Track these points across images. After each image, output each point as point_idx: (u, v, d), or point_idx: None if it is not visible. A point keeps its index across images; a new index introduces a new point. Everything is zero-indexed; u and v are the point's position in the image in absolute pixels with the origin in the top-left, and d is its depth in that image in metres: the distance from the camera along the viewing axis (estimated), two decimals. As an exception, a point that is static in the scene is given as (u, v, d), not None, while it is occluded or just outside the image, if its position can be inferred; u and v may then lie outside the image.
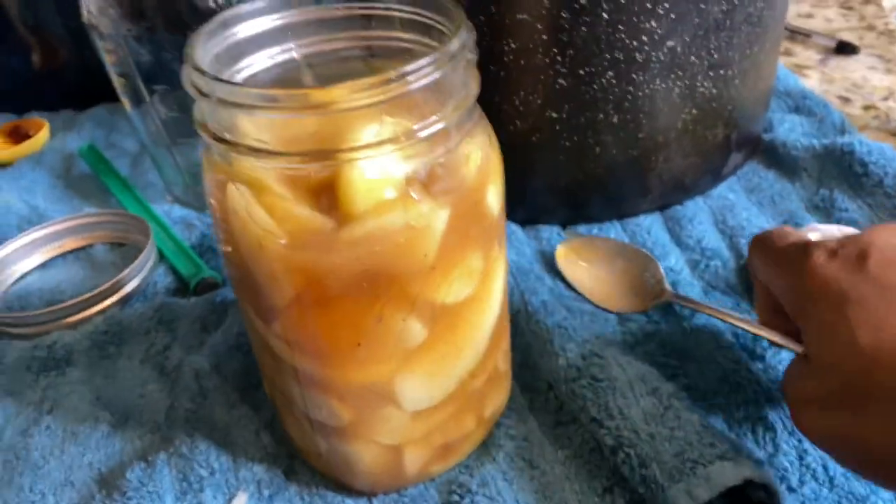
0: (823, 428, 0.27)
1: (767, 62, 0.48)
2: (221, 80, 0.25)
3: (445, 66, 0.25)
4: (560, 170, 0.45)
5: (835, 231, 0.41)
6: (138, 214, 0.50)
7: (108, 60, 0.48)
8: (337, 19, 0.30)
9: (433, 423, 0.31)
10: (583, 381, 0.33)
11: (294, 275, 0.26)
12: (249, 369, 0.39)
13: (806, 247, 0.29)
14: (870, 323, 0.25)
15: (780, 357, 0.37)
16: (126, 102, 0.50)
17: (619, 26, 0.40)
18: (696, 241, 0.45)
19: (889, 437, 0.24)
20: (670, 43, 0.41)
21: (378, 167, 0.25)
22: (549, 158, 0.45)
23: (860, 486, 0.31)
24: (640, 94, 0.42)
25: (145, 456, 0.34)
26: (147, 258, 0.45)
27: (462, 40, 0.25)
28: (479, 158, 0.28)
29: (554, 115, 0.43)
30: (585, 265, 0.44)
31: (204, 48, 0.27)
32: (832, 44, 0.69)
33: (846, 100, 0.62)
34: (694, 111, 0.44)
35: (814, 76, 0.66)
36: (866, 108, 0.60)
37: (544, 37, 0.40)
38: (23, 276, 0.48)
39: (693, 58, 0.42)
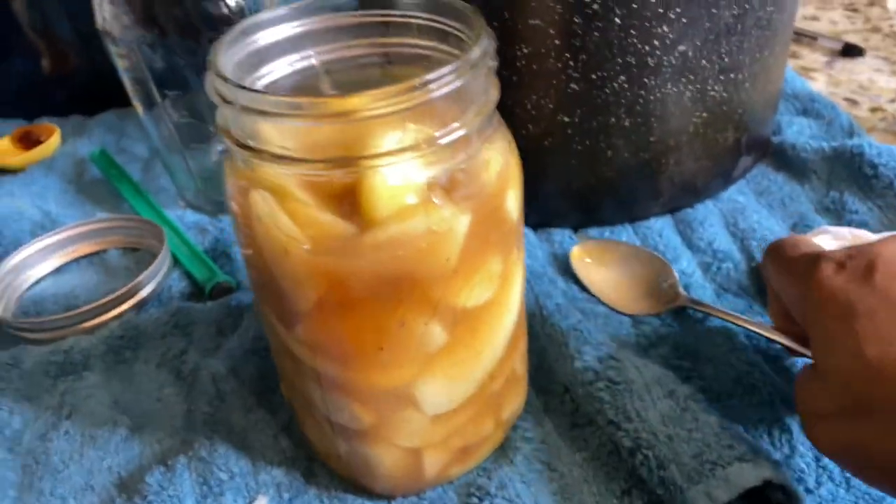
0: (835, 441, 0.27)
1: (777, 65, 0.48)
2: (245, 88, 0.25)
3: (467, 74, 0.25)
4: (572, 173, 0.45)
5: (846, 233, 0.42)
6: (151, 219, 0.50)
7: (121, 66, 0.48)
8: (355, 26, 0.30)
9: (452, 426, 0.31)
10: (600, 384, 0.34)
11: (318, 279, 0.26)
12: (265, 373, 0.39)
13: (815, 258, 0.29)
14: (877, 335, 0.26)
15: (794, 360, 0.37)
16: (138, 107, 0.50)
17: (632, 31, 0.40)
18: (707, 243, 0.45)
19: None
20: (682, 47, 0.41)
21: (400, 173, 0.26)
22: (562, 162, 0.45)
23: (877, 487, 0.31)
24: (652, 97, 0.42)
25: (164, 460, 0.35)
26: (162, 263, 0.46)
27: (483, 48, 0.26)
28: (500, 164, 0.28)
29: (566, 119, 0.43)
30: (598, 268, 0.44)
31: (226, 55, 0.27)
32: (838, 46, 0.70)
33: (853, 102, 0.62)
34: (705, 115, 0.44)
35: (820, 79, 0.66)
36: (873, 110, 0.61)
37: (557, 42, 0.40)
38: (37, 282, 0.48)
39: (704, 62, 0.42)
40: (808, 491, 0.31)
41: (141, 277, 0.44)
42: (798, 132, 0.54)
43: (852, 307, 0.26)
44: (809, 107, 0.57)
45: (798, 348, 0.34)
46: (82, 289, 0.47)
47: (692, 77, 0.42)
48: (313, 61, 0.31)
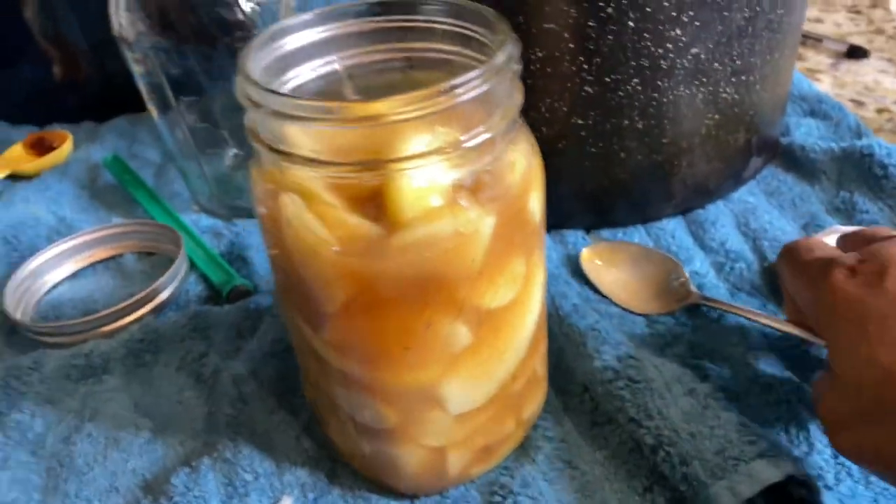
0: (858, 447, 0.27)
1: (786, 67, 0.48)
2: (275, 92, 0.26)
3: (493, 78, 0.26)
4: (586, 175, 0.46)
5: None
6: (167, 224, 0.50)
7: (136, 70, 0.49)
8: (378, 31, 0.31)
9: (475, 425, 0.32)
10: (619, 383, 0.34)
11: (347, 280, 0.27)
12: (285, 375, 0.39)
13: (828, 263, 0.29)
14: (889, 340, 0.26)
15: (810, 357, 0.37)
16: (153, 112, 0.51)
17: (645, 34, 0.40)
18: (719, 243, 0.45)
19: None
20: (694, 50, 0.42)
21: (427, 176, 0.26)
22: (575, 164, 0.45)
23: None
24: (665, 100, 0.43)
25: (189, 461, 0.35)
26: (179, 267, 0.46)
27: (508, 52, 0.26)
28: (524, 166, 0.28)
29: (580, 121, 0.43)
30: (611, 269, 0.44)
31: (255, 60, 0.27)
32: (843, 48, 0.70)
33: (859, 103, 0.62)
34: (717, 116, 0.45)
35: (826, 80, 0.66)
36: (879, 111, 0.61)
37: (571, 45, 0.41)
38: (54, 286, 0.49)
39: (716, 64, 0.43)
40: (828, 487, 0.32)
41: (159, 281, 0.44)
42: (806, 133, 0.54)
43: (864, 312, 0.27)
44: (817, 108, 0.57)
45: (814, 339, 0.34)
46: (100, 293, 0.47)
47: (704, 79, 0.43)
48: (337, 66, 0.31)
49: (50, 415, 0.39)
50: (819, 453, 0.33)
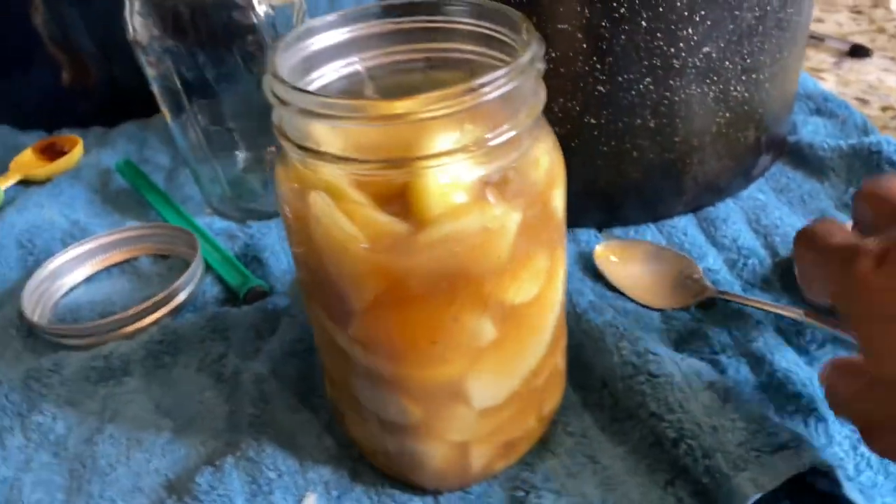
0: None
1: (794, 66, 0.49)
2: (305, 91, 0.26)
3: (519, 77, 0.26)
4: (598, 174, 0.46)
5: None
6: (181, 226, 0.50)
7: (150, 73, 0.49)
8: (400, 32, 0.31)
9: (498, 420, 0.32)
10: (640, 378, 0.34)
11: (376, 277, 0.27)
12: (305, 374, 0.40)
13: (853, 252, 0.27)
14: None
15: (826, 349, 0.38)
16: (167, 114, 0.51)
17: (658, 34, 0.41)
18: (731, 240, 0.46)
19: None
20: (706, 49, 0.42)
21: (452, 173, 0.26)
22: (587, 163, 0.46)
23: (915, 473, 0.32)
24: (677, 98, 0.43)
25: (212, 461, 0.35)
26: (196, 269, 0.46)
27: (533, 52, 0.27)
28: (547, 162, 0.29)
29: (592, 120, 0.44)
30: (625, 265, 0.45)
31: (282, 59, 0.28)
32: (845, 47, 0.71)
33: (864, 101, 0.63)
34: (727, 115, 0.45)
35: (830, 79, 0.67)
36: (884, 109, 0.62)
37: (584, 45, 0.41)
38: (71, 290, 0.49)
39: (727, 63, 0.43)
40: (848, 478, 0.32)
41: (177, 283, 0.45)
42: (813, 131, 0.55)
43: (894, 306, 0.25)
44: (823, 106, 0.58)
45: (834, 330, 0.34)
46: (117, 296, 0.48)
47: (716, 78, 0.43)
48: (359, 66, 0.31)
49: (71, 416, 0.39)
50: (838, 445, 0.33)
